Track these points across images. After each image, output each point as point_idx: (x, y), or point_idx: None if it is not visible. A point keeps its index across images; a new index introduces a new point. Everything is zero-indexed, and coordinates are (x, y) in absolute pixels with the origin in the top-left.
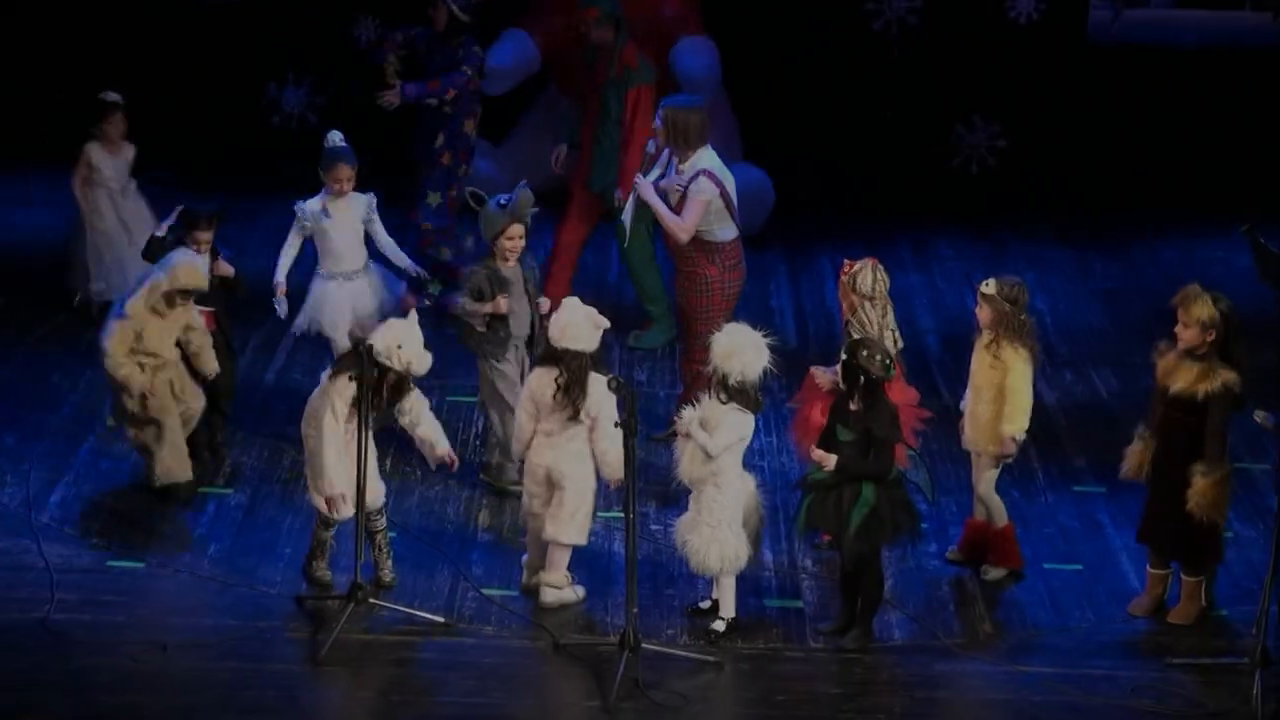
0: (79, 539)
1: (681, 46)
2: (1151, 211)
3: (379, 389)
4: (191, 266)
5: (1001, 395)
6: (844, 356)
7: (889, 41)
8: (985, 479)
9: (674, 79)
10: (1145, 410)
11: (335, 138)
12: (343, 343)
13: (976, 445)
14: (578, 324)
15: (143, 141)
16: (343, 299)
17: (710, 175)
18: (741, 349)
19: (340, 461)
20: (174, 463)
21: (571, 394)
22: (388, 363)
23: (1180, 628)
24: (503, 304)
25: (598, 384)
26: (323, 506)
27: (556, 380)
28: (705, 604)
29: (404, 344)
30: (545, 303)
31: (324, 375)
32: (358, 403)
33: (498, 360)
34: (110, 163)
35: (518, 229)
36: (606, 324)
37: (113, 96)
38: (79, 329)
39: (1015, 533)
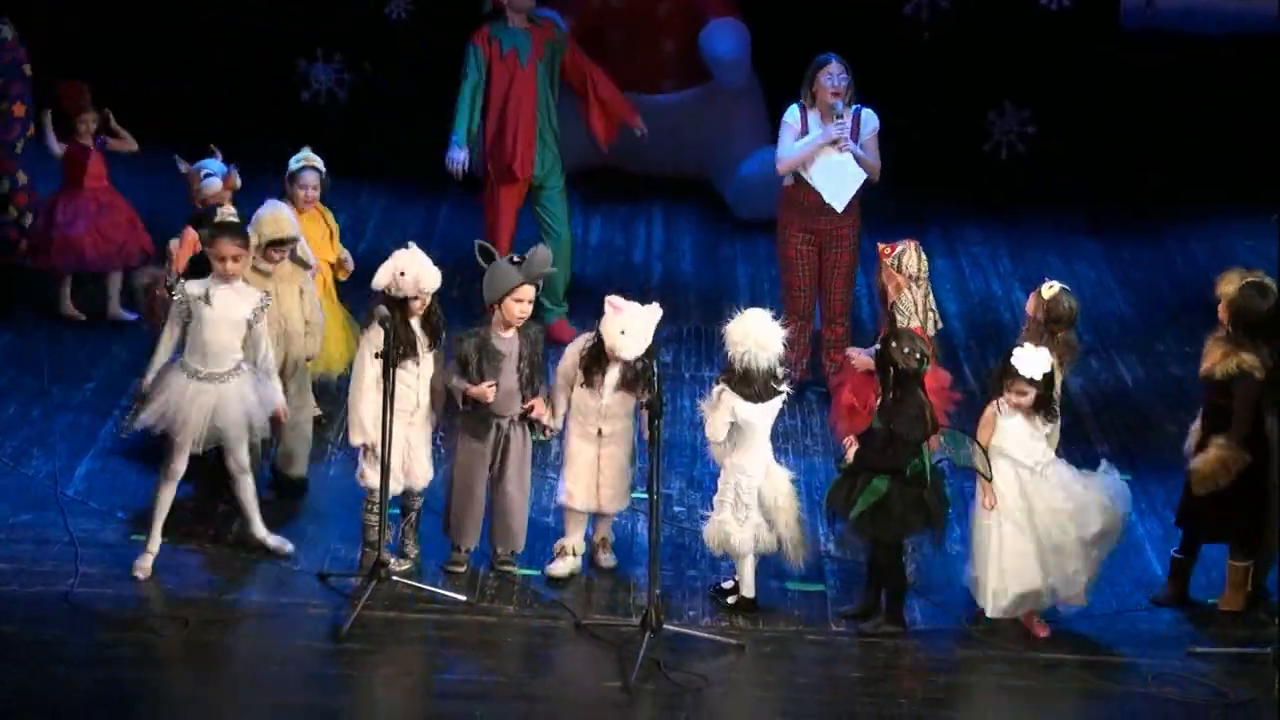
0: (104, 513)
1: (711, 28)
2: (1182, 199)
3: (413, 335)
4: (273, 215)
5: None
6: (878, 347)
7: (919, 24)
8: None
9: (703, 60)
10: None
11: (224, 212)
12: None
13: None
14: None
15: (171, 117)
16: (205, 403)
17: (868, 108)
18: (753, 338)
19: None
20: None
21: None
22: (399, 293)
23: (1203, 616)
24: (489, 394)
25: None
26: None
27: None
28: (728, 584)
29: (405, 270)
30: (538, 404)
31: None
32: (384, 371)
33: (473, 438)
34: None
35: (528, 291)
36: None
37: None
38: (105, 303)
39: None
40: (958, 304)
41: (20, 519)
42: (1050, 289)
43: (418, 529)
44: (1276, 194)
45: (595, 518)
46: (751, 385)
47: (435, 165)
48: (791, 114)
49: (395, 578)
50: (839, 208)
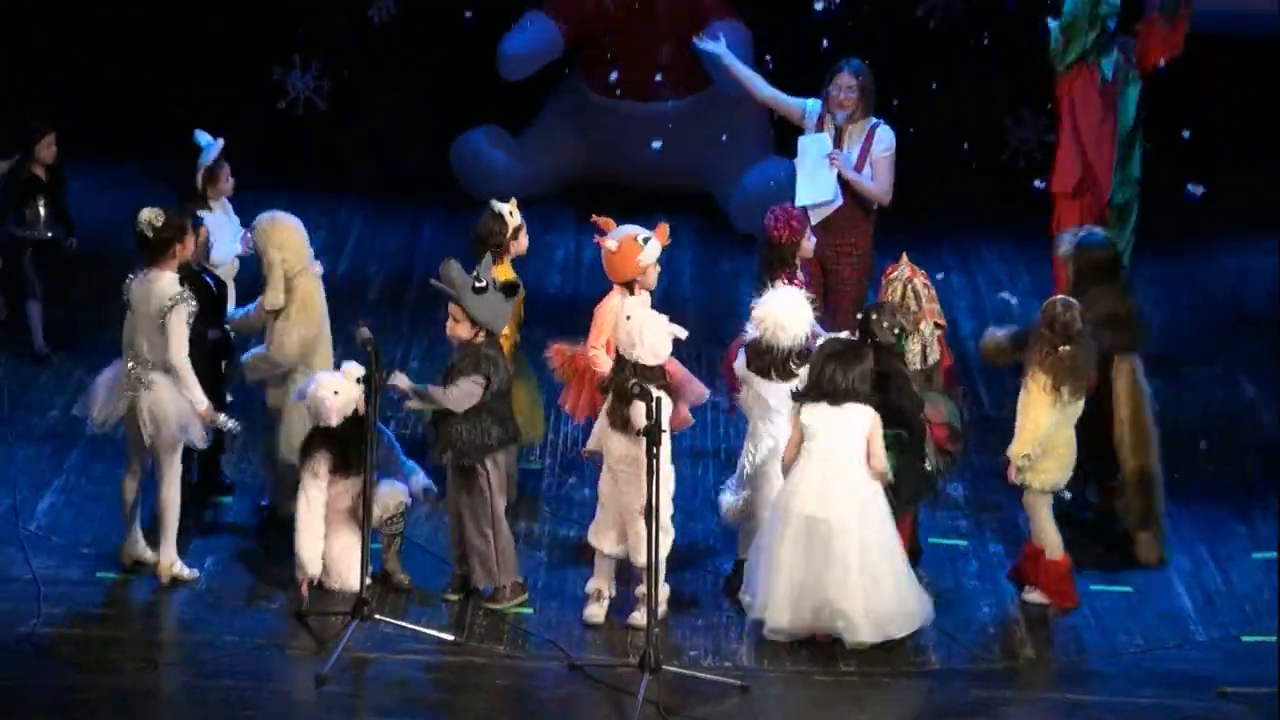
0: (67, 549)
1: (713, 31)
2: (1207, 212)
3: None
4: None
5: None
6: (859, 317)
7: (932, 29)
8: (1032, 508)
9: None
10: None
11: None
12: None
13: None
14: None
15: (145, 126)
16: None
17: (885, 125)
18: (772, 317)
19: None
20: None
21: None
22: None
23: (1234, 655)
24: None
25: None
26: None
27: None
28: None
29: (339, 390)
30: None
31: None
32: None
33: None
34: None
35: (453, 307)
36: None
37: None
38: (71, 330)
39: (1070, 568)
40: (973, 323)
41: None
42: (1051, 300)
43: (399, 556)
44: None
45: (634, 570)
46: (762, 358)
47: (417, 179)
48: (814, 104)
49: (378, 617)
50: (797, 203)
